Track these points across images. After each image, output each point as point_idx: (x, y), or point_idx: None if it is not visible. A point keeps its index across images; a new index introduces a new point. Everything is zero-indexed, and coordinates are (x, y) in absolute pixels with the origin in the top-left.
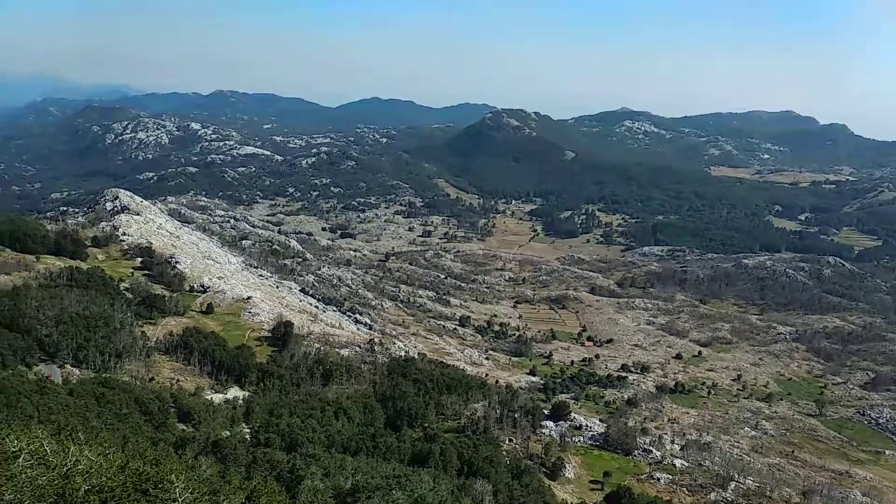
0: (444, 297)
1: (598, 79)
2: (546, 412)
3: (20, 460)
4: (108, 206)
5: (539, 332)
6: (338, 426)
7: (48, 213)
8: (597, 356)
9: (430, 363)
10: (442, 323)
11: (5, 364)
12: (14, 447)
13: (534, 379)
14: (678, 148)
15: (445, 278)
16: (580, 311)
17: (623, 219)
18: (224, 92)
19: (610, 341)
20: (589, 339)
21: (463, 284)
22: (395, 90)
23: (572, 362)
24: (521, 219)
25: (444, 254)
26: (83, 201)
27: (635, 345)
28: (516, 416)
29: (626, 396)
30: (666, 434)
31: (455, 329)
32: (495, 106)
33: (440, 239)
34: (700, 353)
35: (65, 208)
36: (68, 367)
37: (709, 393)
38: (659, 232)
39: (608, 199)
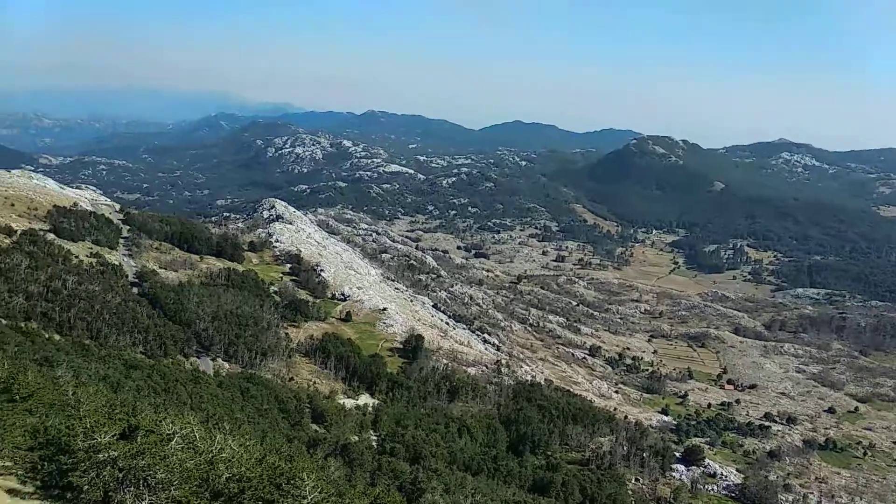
0: (575, 324)
1: (754, 106)
2: (677, 455)
3: (173, 443)
4: (265, 214)
5: (674, 369)
6: (460, 444)
7: (213, 218)
8: (737, 401)
9: (556, 390)
10: (571, 350)
11: (167, 353)
12: (169, 430)
13: (666, 418)
14: (842, 184)
15: (577, 305)
16: (721, 351)
17: (775, 256)
18: (375, 112)
19: (753, 387)
20: (729, 381)
21: (595, 313)
22: (539, 114)
23: (709, 405)
24: (661, 250)
25: (577, 280)
26: (244, 208)
27: (781, 393)
28: (645, 455)
29: (768, 447)
30: (812, 493)
31: (584, 358)
32: (640, 132)
33: (574, 265)
34: (857, 408)
35: (228, 214)
36: (220, 360)
37: (865, 454)
38: (815, 273)
39: (759, 234)
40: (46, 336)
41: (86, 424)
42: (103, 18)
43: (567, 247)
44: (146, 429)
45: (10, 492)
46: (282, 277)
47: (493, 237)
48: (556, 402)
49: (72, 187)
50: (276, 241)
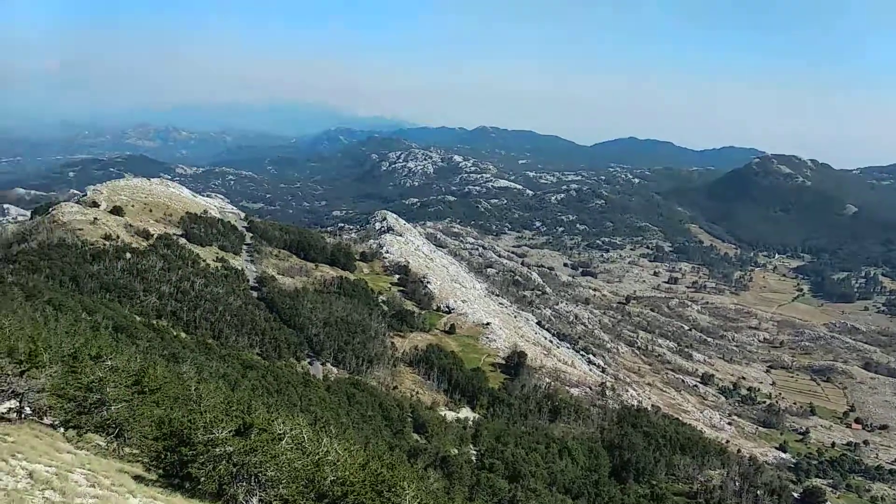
0: (686, 349)
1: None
2: (795, 496)
3: (283, 442)
4: (377, 225)
5: (794, 403)
6: (561, 465)
7: (329, 228)
8: (865, 442)
9: (664, 417)
10: (681, 377)
11: (281, 355)
12: (280, 430)
13: (784, 455)
14: None
15: (689, 330)
16: (849, 387)
17: None
18: (486, 128)
19: (884, 427)
20: (857, 420)
21: (709, 339)
22: (654, 131)
23: (833, 444)
24: (783, 275)
25: (690, 304)
26: (357, 220)
27: None
28: (759, 492)
29: None
30: None
31: (695, 386)
32: (764, 151)
33: (687, 287)
34: None
35: (342, 225)
36: (329, 365)
37: None
38: None
39: None
40: (174, 334)
41: (206, 419)
42: (238, 37)
43: (680, 268)
44: (260, 427)
45: (137, 478)
46: (390, 287)
47: (602, 256)
48: (664, 429)
49: (203, 195)
50: (387, 252)
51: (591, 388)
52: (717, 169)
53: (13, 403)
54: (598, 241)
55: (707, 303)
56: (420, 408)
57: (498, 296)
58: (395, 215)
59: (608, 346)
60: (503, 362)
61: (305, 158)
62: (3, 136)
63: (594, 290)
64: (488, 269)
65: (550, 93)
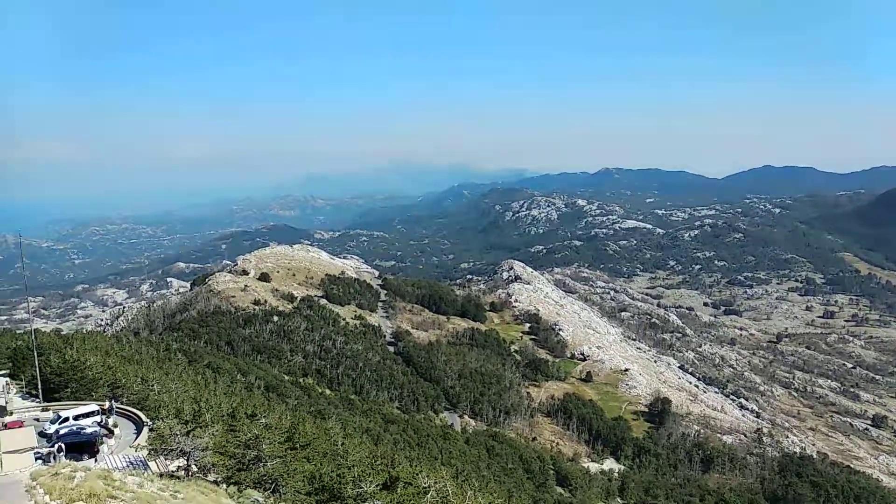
0: (852, 389)
1: None
2: None
3: (429, 496)
4: (504, 275)
5: None
6: None
7: (457, 281)
8: None
9: (832, 465)
10: (849, 420)
11: (419, 408)
12: (425, 483)
13: None
14: None
15: (853, 368)
16: None
17: None
18: (609, 169)
19: None
20: None
21: (877, 377)
22: (791, 157)
23: None
24: None
25: (851, 339)
26: (485, 271)
27: None
28: None
29: None
30: None
31: (866, 429)
32: None
33: (846, 321)
34: None
35: (470, 276)
36: (466, 416)
37: None
38: None
39: None
40: (320, 390)
41: (354, 474)
42: (362, 110)
43: (836, 301)
44: (405, 481)
45: None
46: (521, 336)
47: (745, 292)
48: (833, 479)
49: (339, 258)
50: (516, 300)
51: (745, 435)
52: (868, 191)
53: (181, 462)
54: (739, 278)
55: (871, 337)
56: (561, 459)
57: (634, 340)
58: (521, 264)
59: (761, 388)
60: (646, 410)
61: (431, 215)
62: (166, 217)
63: (740, 329)
64: (622, 313)
65: (674, 129)
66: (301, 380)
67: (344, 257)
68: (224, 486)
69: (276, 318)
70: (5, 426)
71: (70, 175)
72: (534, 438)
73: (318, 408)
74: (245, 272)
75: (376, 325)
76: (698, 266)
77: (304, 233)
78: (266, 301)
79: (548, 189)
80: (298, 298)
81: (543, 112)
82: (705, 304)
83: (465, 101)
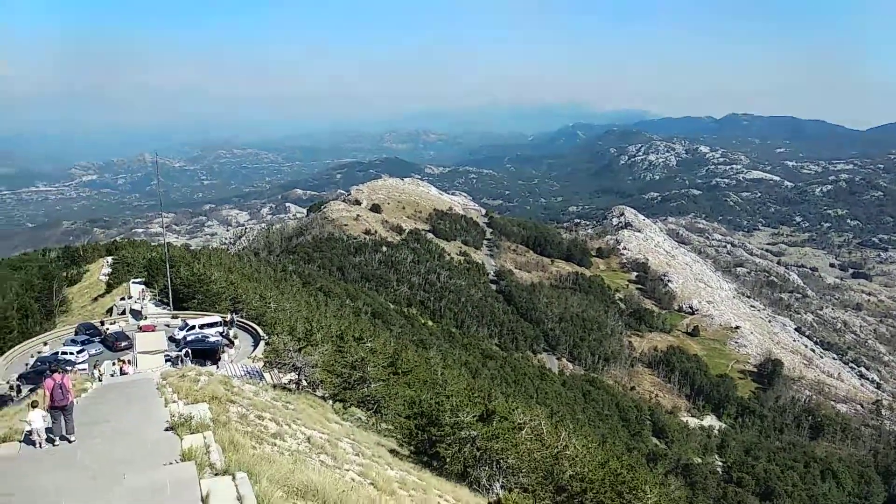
0: None
1: None
2: None
3: (523, 432)
4: (614, 221)
5: None
6: (823, 488)
7: (564, 224)
8: None
9: None
10: None
11: (518, 347)
12: (520, 420)
13: None
14: None
15: None
16: None
17: None
18: (737, 115)
19: None
20: None
21: None
22: None
23: None
24: None
25: None
26: (594, 215)
27: None
28: None
29: None
30: None
31: None
32: None
33: None
34: None
35: (578, 220)
36: (564, 360)
37: None
38: None
39: None
40: (422, 321)
41: (452, 403)
42: (488, 44)
43: None
44: (501, 415)
45: (392, 451)
46: (627, 285)
47: (878, 255)
48: None
49: (448, 194)
50: (624, 248)
51: (862, 406)
52: None
53: (293, 376)
54: (873, 239)
55: None
56: (660, 411)
57: (749, 298)
58: (633, 210)
59: (885, 358)
60: (754, 370)
61: (542, 155)
62: (286, 144)
63: (868, 294)
64: (738, 269)
65: (815, 74)
66: (405, 309)
67: (452, 193)
68: (330, 402)
69: (384, 249)
70: (140, 329)
71: (200, 100)
72: (632, 388)
73: (421, 337)
74: (357, 202)
75: (480, 262)
76: (827, 224)
77: (414, 167)
78: (376, 231)
79: (668, 133)
80: (406, 231)
81: (670, 51)
82: (831, 266)
83: (585, 36)
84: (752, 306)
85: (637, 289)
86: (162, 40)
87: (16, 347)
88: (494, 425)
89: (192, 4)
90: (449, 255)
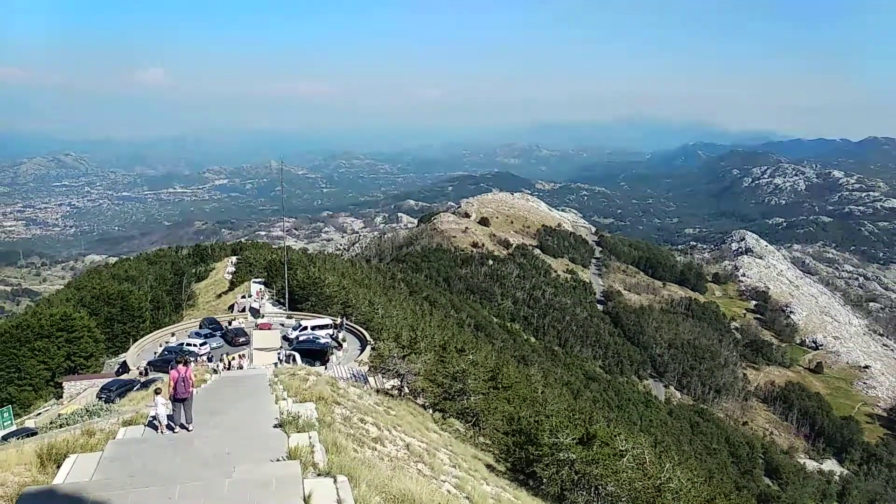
0: None
1: None
2: None
3: (625, 460)
4: (734, 246)
5: None
6: None
7: (679, 246)
8: None
9: None
10: None
11: (623, 371)
12: (622, 447)
13: None
14: None
15: None
16: None
17: None
18: (878, 139)
19: None
20: None
21: None
22: None
23: None
24: None
25: None
26: (711, 239)
27: None
28: None
29: None
30: None
31: None
32: None
33: None
34: None
35: (694, 243)
36: (671, 388)
37: None
38: None
39: None
40: (525, 337)
41: (552, 423)
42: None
43: None
44: (602, 440)
45: (488, 466)
46: (744, 314)
47: None
48: None
49: (558, 210)
50: (743, 274)
51: None
52: None
53: (396, 382)
54: None
55: None
56: (774, 450)
57: (882, 336)
58: (755, 235)
59: None
60: (884, 414)
61: (659, 174)
62: (401, 156)
63: None
64: (870, 304)
65: None
66: (508, 324)
67: (562, 210)
68: (430, 411)
69: (490, 262)
70: (258, 326)
71: (325, 110)
72: (745, 423)
73: (522, 353)
74: (467, 215)
75: (587, 281)
76: None
77: (525, 182)
78: (483, 244)
79: (798, 156)
80: (513, 245)
81: (804, 69)
82: None
83: (709, 49)
84: (884, 345)
85: (755, 318)
86: (290, 52)
87: (147, 336)
88: (595, 450)
89: (321, 20)
90: (555, 271)
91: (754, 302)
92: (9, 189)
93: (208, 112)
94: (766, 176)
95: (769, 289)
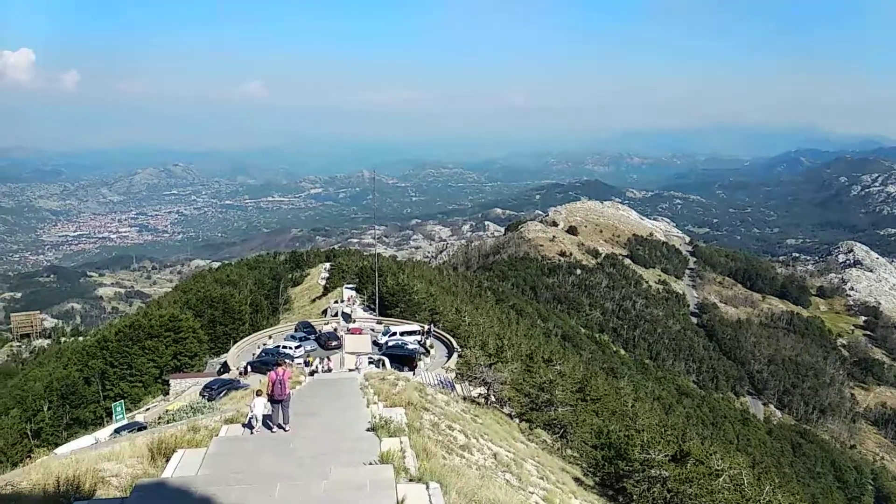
0: None
1: None
2: None
3: (721, 480)
4: (840, 258)
5: None
6: None
7: (780, 258)
8: None
9: None
10: None
11: (718, 387)
12: (718, 466)
13: None
14: None
15: None
16: None
17: None
18: None
19: None
20: None
21: None
22: None
23: None
24: None
25: None
26: (815, 250)
27: None
28: None
29: None
30: None
31: None
32: None
33: None
34: None
35: (796, 255)
36: (771, 406)
37: None
38: None
39: None
40: (614, 349)
41: (643, 438)
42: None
43: None
44: (696, 458)
45: (576, 480)
46: (852, 330)
47: None
48: None
49: (649, 219)
50: (851, 288)
51: None
52: None
53: (482, 390)
54: None
55: None
56: (885, 476)
57: None
58: (864, 247)
59: None
60: None
61: (759, 182)
62: (488, 165)
63: None
64: None
65: None
66: (597, 335)
67: (654, 218)
68: (517, 420)
69: (578, 272)
70: (349, 331)
71: (415, 120)
72: (852, 446)
73: (611, 365)
74: (554, 223)
75: (680, 292)
76: None
77: (615, 190)
78: (571, 253)
79: None
80: (602, 255)
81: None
82: None
83: (814, 48)
84: None
85: (864, 335)
86: (380, 64)
87: (246, 338)
88: (689, 468)
89: (410, 31)
90: (646, 282)
91: (863, 317)
92: (124, 197)
93: (303, 123)
94: (877, 184)
95: (880, 304)
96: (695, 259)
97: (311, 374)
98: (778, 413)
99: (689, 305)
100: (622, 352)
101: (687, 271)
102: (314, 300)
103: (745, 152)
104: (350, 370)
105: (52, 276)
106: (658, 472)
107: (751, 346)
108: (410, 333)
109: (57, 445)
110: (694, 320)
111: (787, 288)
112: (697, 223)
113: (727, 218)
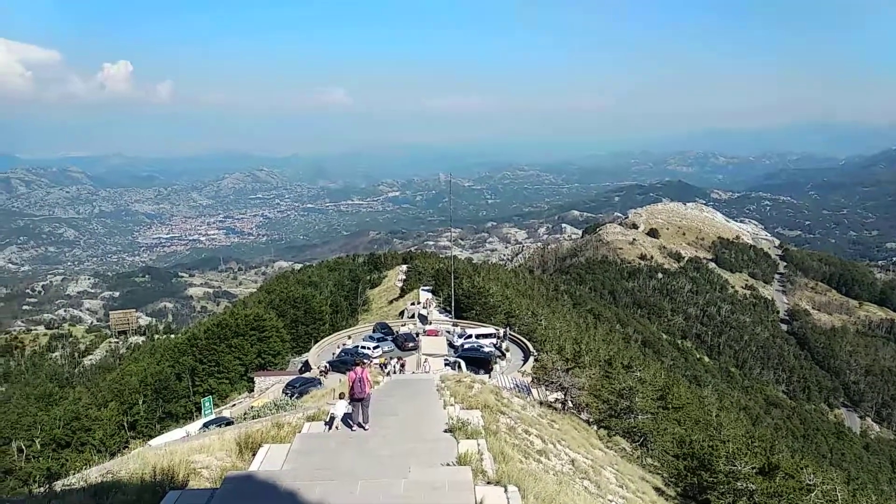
0: None
1: None
2: None
3: (813, 495)
4: None
5: None
6: None
7: (879, 262)
8: None
9: None
10: None
11: (810, 398)
12: (810, 481)
13: None
14: None
15: None
16: None
17: None
18: None
19: None
20: None
21: None
22: None
23: None
24: None
25: None
26: None
27: None
28: None
29: None
30: None
31: None
32: None
33: None
34: None
35: None
36: (868, 420)
37: None
38: None
39: None
40: (697, 356)
41: (728, 449)
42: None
43: None
44: (786, 472)
45: (657, 489)
46: None
47: None
48: None
49: (736, 221)
50: None
51: None
52: None
53: (559, 395)
54: None
55: None
56: None
57: None
58: None
59: None
60: None
61: (855, 182)
62: (565, 167)
63: None
64: None
65: None
66: (679, 341)
67: (741, 221)
68: (595, 427)
69: (660, 275)
70: (426, 333)
71: (490, 122)
72: None
73: (695, 373)
74: (634, 226)
75: (769, 298)
76: None
77: (699, 191)
78: (652, 257)
79: None
80: (686, 258)
81: None
82: None
83: None
84: None
85: None
86: (455, 68)
87: (326, 338)
88: (778, 482)
89: (486, 36)
90: (732, 287)
91: None
92: (212, 202)
93: (381, 128)
94: None
95: None
96: (785, 263)
97: (387, 374)
98: (876, 427)
99: (778, 312)
100: (706, 359)
101: (776, 276)
102: (391, 301)
103: (839, 151)
104: (424, 372)
105: (146, 276)
106: (744, 485)
107: (846, 356)
108: (486, 336)
109: (151, 437)
110: (784, 327)
111: (886, 294)
112: (788, 226)
113: (820, 220)
